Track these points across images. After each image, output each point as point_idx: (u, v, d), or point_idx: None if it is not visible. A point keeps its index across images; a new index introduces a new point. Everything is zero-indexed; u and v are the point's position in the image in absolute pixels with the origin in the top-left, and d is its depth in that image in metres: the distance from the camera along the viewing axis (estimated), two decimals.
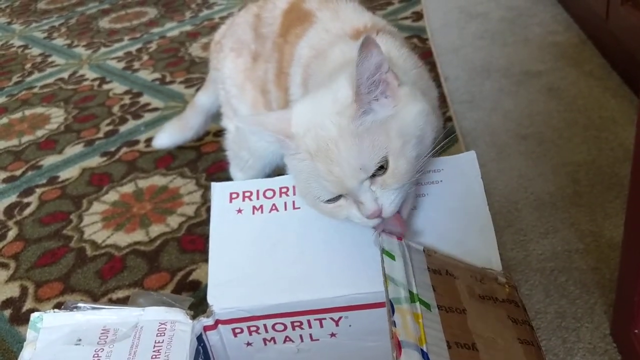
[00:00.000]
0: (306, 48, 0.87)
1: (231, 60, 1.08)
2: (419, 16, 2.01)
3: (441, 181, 0.72)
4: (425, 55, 1.70)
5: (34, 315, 0.63)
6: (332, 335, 0.66)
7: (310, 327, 0.65)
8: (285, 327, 0.65)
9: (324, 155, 0.62)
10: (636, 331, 0.77)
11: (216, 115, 1.52)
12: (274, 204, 0.72)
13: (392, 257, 0.59)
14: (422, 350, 0.50)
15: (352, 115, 0.62)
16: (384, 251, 0.60)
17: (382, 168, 0.62)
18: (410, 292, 0.55)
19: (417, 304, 0.54)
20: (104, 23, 2.48)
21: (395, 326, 0.51)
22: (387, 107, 0.64)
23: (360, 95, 0.62)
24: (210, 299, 0.65)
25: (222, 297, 0.65)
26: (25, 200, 1.36)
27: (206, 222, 1.15)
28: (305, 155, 0.64)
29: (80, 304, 0.65)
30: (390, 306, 0.53)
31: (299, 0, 0.96)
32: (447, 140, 0.77)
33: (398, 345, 0.49)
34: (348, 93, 0.63)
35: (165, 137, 1.43)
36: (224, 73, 1.10)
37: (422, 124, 0.64)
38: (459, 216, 0.69)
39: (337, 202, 0.64)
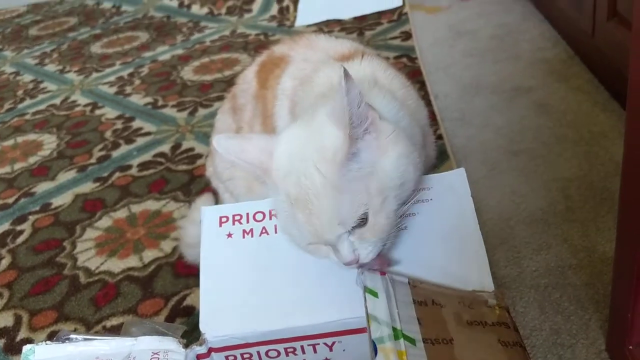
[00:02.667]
0: (289, 81, 0.86)
1: (219, 157, 1.03)
2: (407, 35, 2.02)
3: (431, 199, 0.72)
4: (415, 74, 1.71)
5: (26, 348, 0.63)
6: None
7: (304, 352, 0.65)
8: (279, 354, 0.65)
9: (303, 205, 0.61)
10: (631, 347, 0.77)
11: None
12: (264, 227, 0.72)
13: (375, 295, 0.60)
14: None
15: (342, 159, 0.59)
16: (366, 289, 0.60)
17: (362, 220, 0.61)
18: (394, 329, 0.56)
19: (401, 340, 0.55)
20: (96, 48, 2.49)
21: None
22: (371, 148, 0.61)
23: (352, 128, 0.59)
24: (202, 327, 0.65)
25: (214, 324, 0.65)
26: (19, 228, 1.36)
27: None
28: (284, 198, 0.63)
29: (72, 335, 0.65)
30: (373, 347, 0.54)
31: (269, 54, 0.96)
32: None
33: None
34: (336, 133, 0.60)
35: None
36: (217, 171, 1.05)
37: (403, 169, 0.62)
38: (450, 235, 0.69)
39: (315, 245, 0.64)
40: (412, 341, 0.55)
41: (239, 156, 0.64)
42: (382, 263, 0.64)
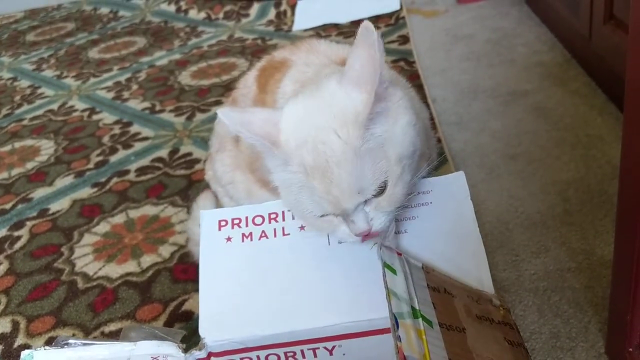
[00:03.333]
0: (289, 85, 0.85)
1: (218, 160, 1.01)
2: (405, 39, 2.03)
3: (431, 203, 0.72)
4: (412, 77, 1.71)
5: (24, 353, 0.63)
6: None
7: (304, 357, 0.65)
8: (279, 358, 0.65)
9: (321, 174, 0.59)
10: (630, 349, 0.77)
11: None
12: (263, 231, 0.72)
13: (394, 272, 0.59)
14: None
15: (364, 120, 0.59)
16: (385, 265, 0.60)
17: (380, 189, 0.61)
18: (413, 308, 0.55)
19: (420, 320, 0.54)
20: (93, 53, 2.49)
21: (400, 341, 0.51)
22: (388, 112, 0.61)
23: (379, 84, 0.59)
24: (202, 332, 0.64)
25: (214, 329, 0.65)
26: (16, 233, 1.35)
27: None
28: (298, 169, 0.61)
29: (71, 340, 0.64)
30: (395, 320, 0.53)
31: (269, 59, 0.95)
32: (438, 160, 0.78)
33: None
34: (356, 95, 0.60)
35: None
36: (216, 175, 1.03)
37: (414, 135, 0.63)
38: (450, 238, 0.69)
39: (327, 217, 0.63)
40: (429, 323, 0.54)
41: (246, 127, 0.62)
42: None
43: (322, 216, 0.62)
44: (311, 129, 0.61)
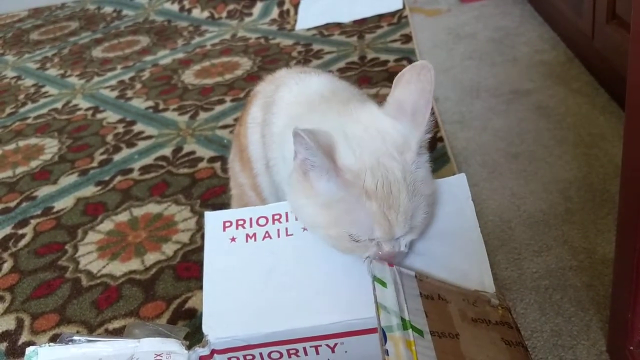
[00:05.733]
0: (258, 111, 0.89)
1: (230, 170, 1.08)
2: (407, 38, 2.03)
3: None
4: None
5: (29, 350, 0.63)
6: None
7: (306, 354, 0.65)
8: (281, 355, 0.65)
9: (382, 198, 0.61)
10: (631, 348, 0.77)
11: (212, 144, 1.54)
12: (267, 232, 0.72)
13: (384, 284, 0.60)
14: None
15: (417, 150, 0.63)
16: (375, 278, 0.61)
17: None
18: (403, 319, 0.56)
19: (410, 330, 0.55)
20: (97, 52, 2.49)
21: (387, 355, 0.51)
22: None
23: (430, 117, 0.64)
24: (205, 329, 0.65)
25: (217, 326, 0.65)
26: (20, 231, 1.36)
27: (201, 248, 1.14)
28: (357, 192, 0.61)
29: (75, 337, 0.65)
30: (383, 334, 0.54)
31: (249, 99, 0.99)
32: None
33: None
34: (403, 126, 0.65)
35: None
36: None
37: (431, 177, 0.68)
38: (451, 240, 0.69)
39: (364, 242, 0.63)
40: (420, 332, 0.55)
41: (314, 145, 0.60)
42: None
43: (360, 241, 0.63)
44: (373, 155, 0.63)
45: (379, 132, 0.65)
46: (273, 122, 0.82)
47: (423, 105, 0.64)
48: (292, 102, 0.81)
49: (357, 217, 0.62)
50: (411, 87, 0.65)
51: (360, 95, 0.85)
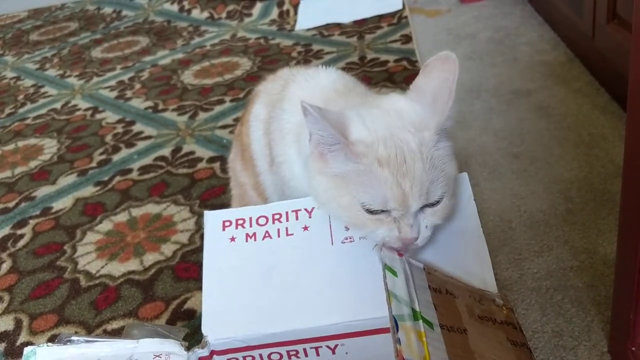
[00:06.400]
0: (261, 108, 0.89)
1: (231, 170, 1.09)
2: (408, 39, 2.03)
3: None
4: (415, 77, 1.71)
5: (27, 350, 0.63)
6: None
7: (306, 355, 0.65)
8: (281, 357, 0.65)
9: (396, 166, 0.61)
10: (633, 348, 0.77)
11: (212, 145, 1.53)
12: (267, 231, 0.72)
13: (394, 273, 0.59)
14: None
15: (435, 131, 0.63)
16: (385, 267, 0.60)
17: (436, 202, 0.63)
18: (413, 310, 0.55)
19: (420, 322, 0.54)
20: (97, 53, 2.49)
21: (400, 343, 0.51)
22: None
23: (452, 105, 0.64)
24: (204, 330, 0.65)
25: (216, 327, 0.65)
26: (19, 232, 1.35)
27: (200, 249, 1.14)
28: (370, 161, 0.62)
29: (74, 337, 0.64)
30: (395, 323, 0.53)
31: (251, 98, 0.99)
32: None
33: None
34: (426, 110, 0.64)
35: None
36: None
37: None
38: (453, 239, 0.69)
39: (379, 215, 0.63)
40: (430, 325, 0.54)
41: (325, 122, 0.62)
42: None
43: (374, 213, 0.62)
44: (387, 129, 0.63)
45: (396, 112, 0.65)
46: (283, 118, 0.81)
47: (445, 93, 0.64)
48: (306, 99, 0.80)
49: (370, 185, 0.62)
50: (433, 75, 0.66)
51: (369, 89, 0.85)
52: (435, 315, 0.56)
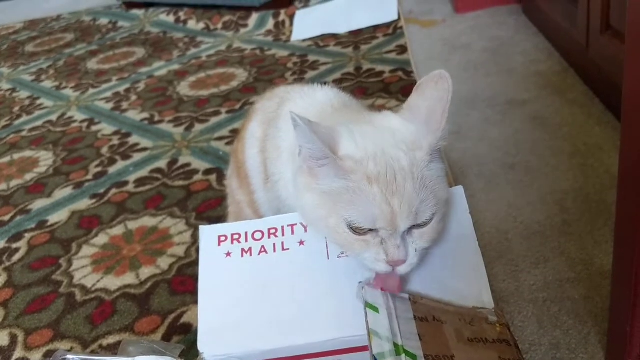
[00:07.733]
0: (257, 126, 0.89)
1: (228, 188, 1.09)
2: (403, 49, 2.03)
3: None
4: (411, 87, 1.71)
5: None
6: None
7: None
8: None
9: (385, 184, 0.60)
10: None
11: (206, 155, 1.53)
12: (262, 246, 0.71)
13: (376, 310, 0.59)
14: None
15: (428, 152, 0.62)
16: (367, 305, 0.60)
17: (425, 223, 0.63)
18: (395, 345, 0.55)
19: (403, 356, 0.54)
20: (92, 64, 2.49)
21: None
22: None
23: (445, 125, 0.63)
24: (200, 347, 0.64)
25: (213, 343, 0.64)
26: (14, 245, 1.35)
27: (197, 262, 1.13)
28: (359, 178, 0.61)
29: (69, 355, 0.64)
30: None
31: (248, 116, 0.99)
32: None
33: None
34: (418, 129, 0.64)
35: None
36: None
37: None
38: (449, 253, 0.69)
39: (365, 236, 0.62)
40: (413, 357, 0.55)
41: (315, 138, 0.61)
42: (399, 286, 0.64)
43: (361, 233, 0.62)
44: (378, 146, 0.63)
45: (389, 130, 0.65)
46: (280, 136, 0.81)
47: (439, 113, 0.63)
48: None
49: (359, 202, 0.60)
50: (427, 94, 0.65)
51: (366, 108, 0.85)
52: (420, 346, 0.56)
